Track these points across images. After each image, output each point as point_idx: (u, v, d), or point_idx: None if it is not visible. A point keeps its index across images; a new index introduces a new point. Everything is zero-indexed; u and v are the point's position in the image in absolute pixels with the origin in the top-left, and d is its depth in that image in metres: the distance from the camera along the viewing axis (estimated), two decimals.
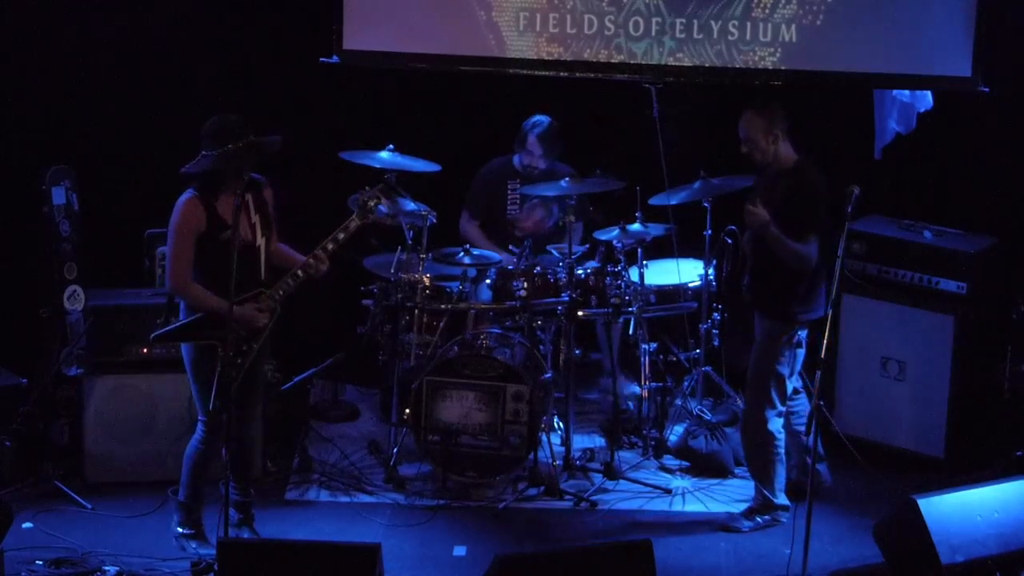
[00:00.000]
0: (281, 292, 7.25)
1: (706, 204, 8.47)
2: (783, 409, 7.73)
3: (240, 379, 7.15)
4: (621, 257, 8.43)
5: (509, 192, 8.99)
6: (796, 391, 7.91)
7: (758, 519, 7.78)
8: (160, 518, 7.71)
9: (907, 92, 8.82)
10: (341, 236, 7.25)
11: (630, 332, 8.52)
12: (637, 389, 8.66)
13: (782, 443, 7.74)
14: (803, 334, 7.65)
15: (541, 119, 8.85)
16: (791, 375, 7.70)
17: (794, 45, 8.62)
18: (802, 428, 7.83)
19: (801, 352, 7.67)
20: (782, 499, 7.78)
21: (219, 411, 7.11)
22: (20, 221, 8.62)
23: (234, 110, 7.50)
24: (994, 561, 7.01)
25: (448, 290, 8.46)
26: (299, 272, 7.24)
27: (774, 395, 7.67)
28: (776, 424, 7.71)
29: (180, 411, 8.04)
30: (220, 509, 6.96)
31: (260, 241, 7.26)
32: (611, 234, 8.44)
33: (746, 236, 7.86)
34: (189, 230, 7.08)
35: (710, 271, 8.56)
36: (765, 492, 7.76)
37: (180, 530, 7.45)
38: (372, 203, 7.30)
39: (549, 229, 8.87)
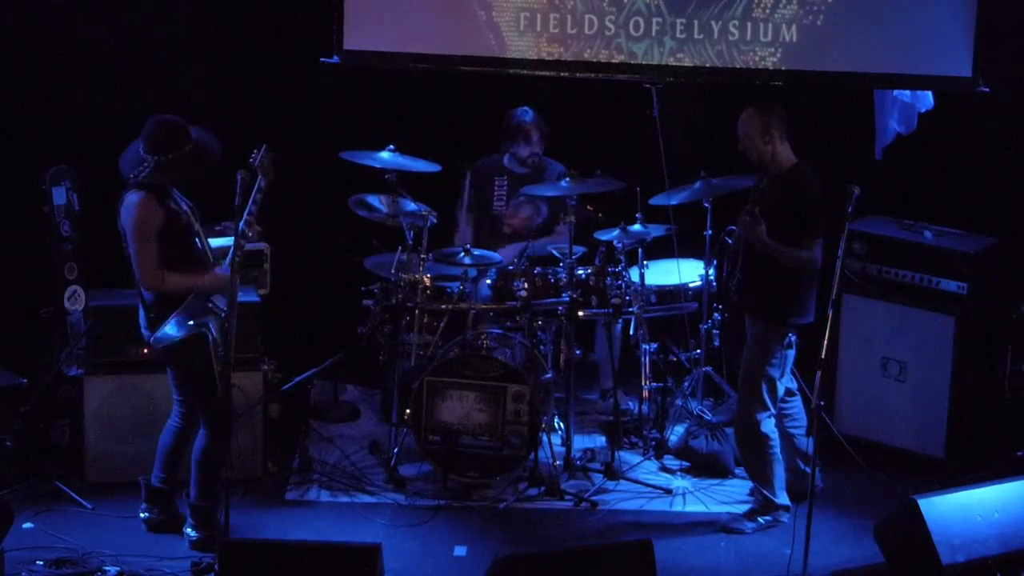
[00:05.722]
0: (236, 258, 7.23)
1: (706, 204, 8.46)
2: (775, 411, 7.72)
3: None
4: (622, 257, 8.43)
5: (496, 188, 9.00)
6: (791, 392, 7.89)
7: (760, 520, 7.77)
8: None
9: (908, 92, 8.82)
10: (259, 197, 7.23)
11: (631, 332, 8.52)
12: (635, 407, 8.66)
13: (776, 443, 7.73)
14: (794, 336, 7.64)
15: (526, 108, 8.88)
16: (782, 376, 7.68)
17: (794, 45, 8.62)
18: (798, 432, 7.84)
19: (791, 353, 7.66)
20: (783, 498, 7.77)
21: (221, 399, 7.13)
22: (20, 221, 8.61)
23: (234, 110, 7.51)
24: (995, 561, 7.01)
25: (448, 290, 8.45)
26: (242, 242, 7.21)
27: (766, 397, 7.66)
28: (769, 425, 7.70)
29: None
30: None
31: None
32: (611, 234, 8.44)
33: (736, 236, 7.86)
34: (151, 228, 7.16)
35: (710, 271, 8.56)
36: (765, 492, 7.75)
37: (192, 533, 7.42)
38: (267, 162, 7.24)
39: (537, 226, 8.87)
